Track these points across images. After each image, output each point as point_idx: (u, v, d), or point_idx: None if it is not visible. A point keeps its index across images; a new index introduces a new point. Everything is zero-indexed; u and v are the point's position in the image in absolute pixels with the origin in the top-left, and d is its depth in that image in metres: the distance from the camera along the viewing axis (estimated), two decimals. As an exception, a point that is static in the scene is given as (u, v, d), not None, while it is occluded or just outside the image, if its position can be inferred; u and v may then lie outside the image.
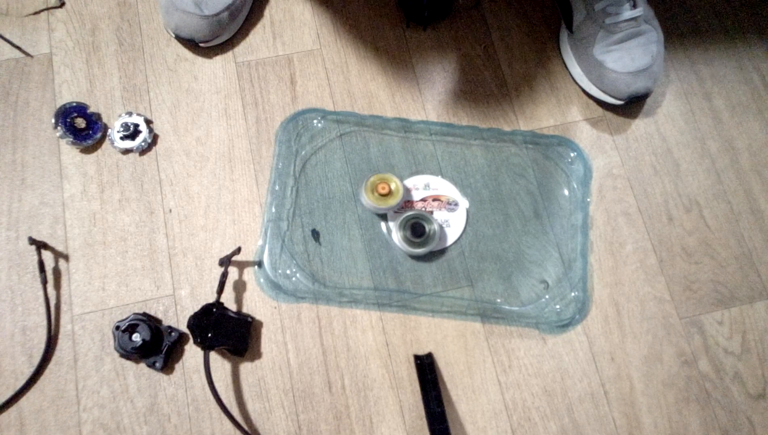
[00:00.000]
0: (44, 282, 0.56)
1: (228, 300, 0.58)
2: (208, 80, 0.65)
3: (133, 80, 0.64)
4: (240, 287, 0.59)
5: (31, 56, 0.64)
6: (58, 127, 0.60)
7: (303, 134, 0.63)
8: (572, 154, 0.65)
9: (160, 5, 0.63)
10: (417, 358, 0.57)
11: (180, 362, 0.56)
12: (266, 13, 0.68)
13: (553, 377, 0.58)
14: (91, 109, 0.62)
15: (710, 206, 0.65)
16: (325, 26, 0.68)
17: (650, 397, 0.59)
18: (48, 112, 0.62)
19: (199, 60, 0.66)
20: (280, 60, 0.66)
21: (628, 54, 0.62)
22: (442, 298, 0.59)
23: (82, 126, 0.61)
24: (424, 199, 0.62)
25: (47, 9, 0.66)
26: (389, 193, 0.59)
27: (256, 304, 0.58)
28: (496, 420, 0.57)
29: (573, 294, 0.60)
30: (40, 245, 0.57)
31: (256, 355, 0.57)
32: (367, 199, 0.59)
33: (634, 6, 0.62)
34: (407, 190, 0.62)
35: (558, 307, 0.60)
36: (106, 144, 0.62)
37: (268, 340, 0.57)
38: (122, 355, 0.55)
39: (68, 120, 0.60)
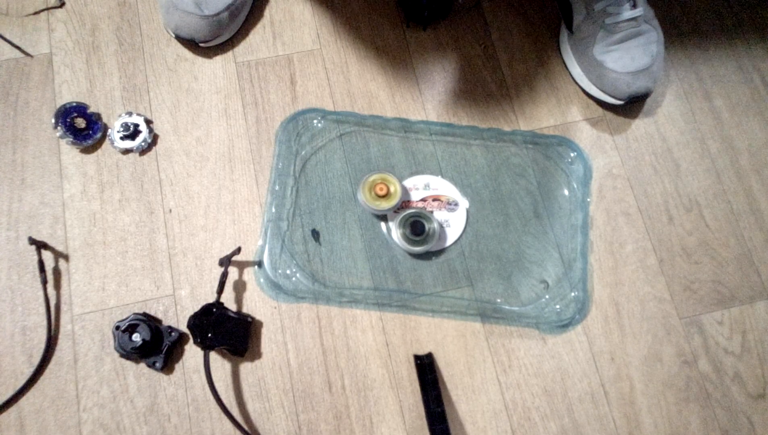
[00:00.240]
0: (44, 282, 0.56)
1: (228, 300, 0.58)
2: (208, 80, 0.65)
3: (133, 80, 0.64)
4: (240, 287, 0.59)
5: (31, 56, 0.64)
6: (58, 127, 0.60)
7: (303, 134, 0.63)
8: (572, 154, 0.65)
9: (160, 5, 0.63)
10: (417, 358, 0.57)
11: (180, 362, 0.56)
12: (266, 13, 0.68)
13: (553, 377, 0.58)
14: (91, 109, 0.62)
15: (710, 206, 0.65)
16: (325, 26, 0.68)
17: (650, 397, 0.59)
18: (48, 112, 0.62)
19: (199, 60, 0.66)
20: (280, 60, 0.66)
21: (628, 54, 0.62)
22: (442, 298, 0.59)
23: (82, 126, 0.61)
24: (424, 199, 0.62)
25: (47, 9, 0.66)
26: (387, 195, 0.59)
27: (256, 304, 0.58)
28: (496, 420, 0.57)
29: (573, 294, 0.60)
30: (40, 245, 0.57)
31: (256, 355, 0.57)
32: (364, 200, 0.59)
33: (634, 6, 0.62)
34: (406, 191, 0.62)
35: (558, 307, 0.60)
36: (106, 144, 0.62)
37: (268, 340, 0.57)
38: (122, 355, 0.55)
39: (68, 120, 0.60)
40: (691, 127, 0.68)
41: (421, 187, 0.62)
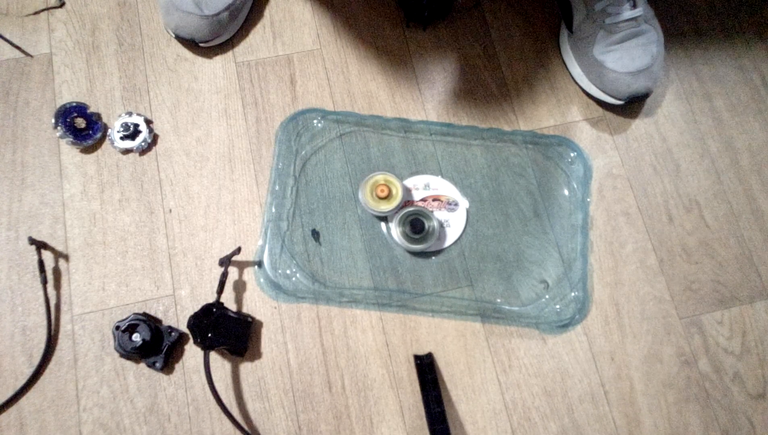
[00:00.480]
0: (44, 282, 0.56)
1: (228, 300, 0.58)
2: (208, 80, 0.65)
3: (133, 80, 0.64)
4: (240, 287, 0.59)
5: (31, 56, 0.64)
6: (58, 127, 0.60)
7: (303, 134, 0.63)
8: (572, 154, 0.65)
9: (160, 5, 0.63)
10: (417, 358, 0.57)
11: (180, 362, 0.56)
12: (266, 13, 0.68)
13: (553, 377, 0.58)
14: (91, 109, 0.62)
15: (710, 206, 0.65)
16: (325, 26, 0.68)
17: (650, 397, 0.59)
18: (48, 112, 0.62)
19: (199, 60, 0.66)
20: (280, 60, 0.66)
21: (628, 54, 0.62)
22: (442, 298, 0.59)
23: (82, 126, 0.61)
24: (424, 199, 0.62)
25: (47, 9, 0.66)
26: (388, 196, 0.59)
27: (256, 304, 0.58)
28: (496, 420, 0.57)
29: (573, 294, 0.60)
30: (40, 245, 0.57)
31: (256, 355, 0.57)
32: (367, 204, 0.59)
33: (634, 6, 0.62)
34: (407, 190, 0.62)
35: (558, 307, 0.60)
36: (106, 144, 0.62)
37: (268, 340, 0.57)
38: (122, 355, 0.55)
39: (68, 120, 0.60)
40: (691, 127, 0.68)
41: (421, 187, 0.62)
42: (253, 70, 0.66)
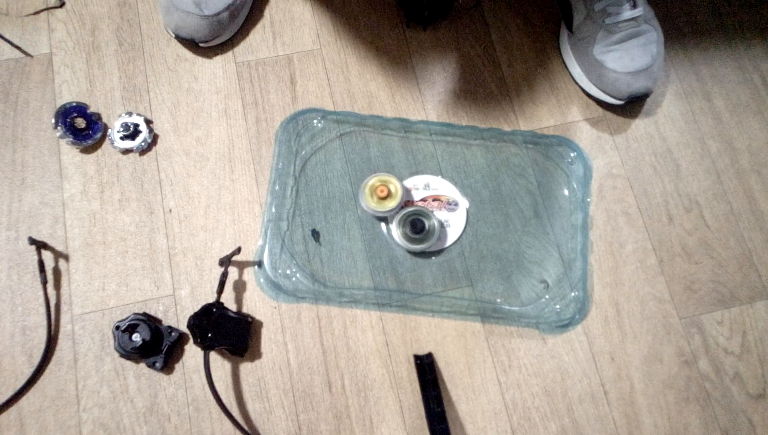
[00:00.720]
0: (44, 282, 0.56)
1: (228, 300, 0.58)
2: (208, 80, 0.65)
3: (133, 80, 0.64)
4: (240, 287, 0.59)
5: (31, 56, 0.64)
6: (58, 127, 0.60)
7: (303, 134, 0.63)
8: (572, 154, 0.65)
9: (160, 5, 0.63)
10: (417, 358, 0.57)
11: (180, 362, 0.56)
12: (266, 13, 0.68)
13: (553, 377, 0.58)
14: (91, 109, 0.62)
15: (710, 206, 0.65)
16: (325, 26, 0.68)
17: (650, 397, 0.59)
18: (48, 112, 0.62)
19: (199, 60, 0.66)
20: (280, 60, 0.66)
21: (628, 54, 0.62)
22: (442, 298, 0.59)
23: (82, 126, 0.61)
24: (424, 199, 0.62)
25: (47, 9, 0.66)
26: (388, 196, 0.59)
27: (256, 304, 0.58)
28: (496, 420, 0.57)
29: (573, 294, 0.60)
30: (40, 245, 0.57)
31: (256, 355, 0.57)
32: (367, 204, 0.59)
33: (634, 6, 0.62)
34: (407, 190, 0.62)
35: (558, 307, 0.60)
36: (106, 144, 0.62)
37: (268, 340, 0.57)
38: (122, 355, 0.55)
39: (68, 120, 0.60)
40: (691, 127, 0.68)
41: (421, 187, 0.62)
42: (253, 70, 0.66)
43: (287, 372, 0.57)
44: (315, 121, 0.64)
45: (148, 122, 0.63)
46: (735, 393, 0.59)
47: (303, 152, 0.63)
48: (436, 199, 0.62)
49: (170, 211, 0.60)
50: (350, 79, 0.66)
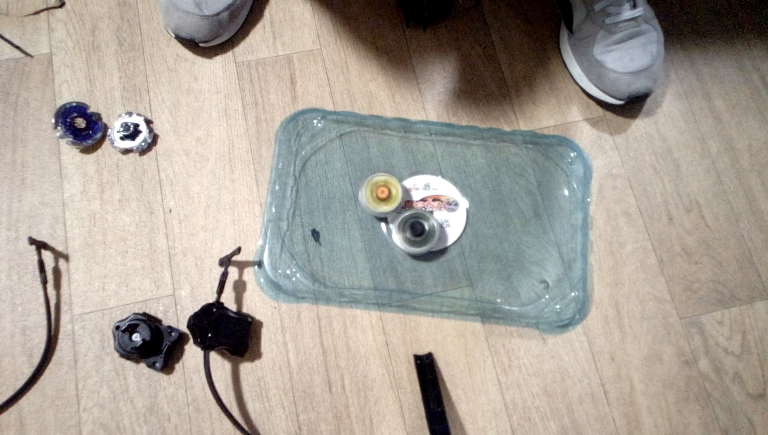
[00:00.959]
0: (44, 282, 0.56)
1: (228, 300, 0.58)
2: (208, 80, 0.65)
3: (133, 80, 0.64)
4: (240, 287, 0.59)
5: (31, 56, 0.64)
6: (58, 127, 0.60)
7: (303, 134, 0.63)
8: (572, 154, 0.65)
9: (160, 5, 0.63)
10: (417, 358, 0.57)
11: (180, 362, 0.56)
12: (266, 13, 0.68)
13: (553, 377, 0.58)
14: (91, 109, 0.62)
15: (710, 206, 0.65)
16: (325, 26, 0.68)
17: (650, 397, 0.59)
18: (48, 112, 0.62)
19: (199, 60, 0.66)
20: (280, 60, 0.66)
21: (628, 54, 0.62)
22: (442, 298, 0.59)
23: (82, 126, 0.61)
24: (424, 199, 0.62)
25: (47, 9, 0.66)
26: (388, 197, 0.59)
27: (256, 304, 0.58)
28: (496, 420, 0.57)
29: (573, 294, 0.60)
30: (40, 245, 0.57)
31: (256, 355, 0.57)
32: (367, 205, 0.59)
33: (634, 6, 0.62)
34: (407, 191, 0.62)
35: (558, 307, 0.60)
36: (106, 144, 0.62)
37: (268, 340, 0.57)
38: (122, 355, 0.55)
39: (68, 120, 0.60)
40: (691, 127, 0.68)
41: (421, 187, 0.62)
42: (253, 70, 0.66)
43: (287, 372, 0.57)
44: (315, 121, 0.64)
45: (148, 122, 0.63)
46: (735, 393, 0.59)
47: (303, 152, 0.63)
48: (436, 199, 0.62)
49: (170, 211, 0.60)
50: (350, 79, 0.66)
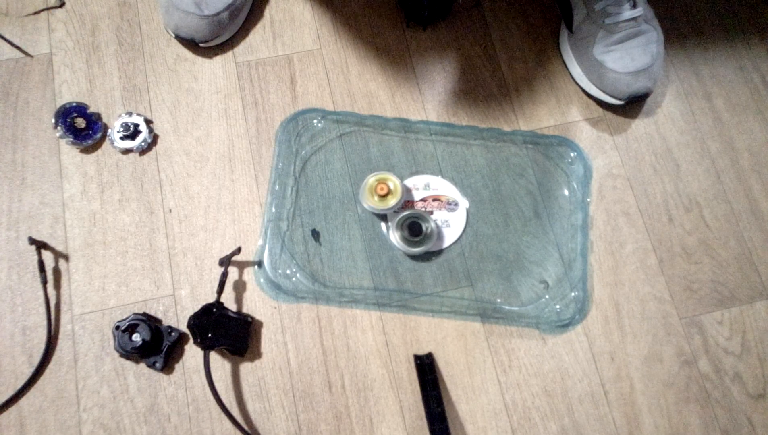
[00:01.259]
0: (44, 282, 0.56)
1: (228, 300, 0.58)
2: (208, 80, 0.65)
3: (133, 80, 0.64)
4: (240, 287, 0.59)
5: (31, 56, 0.64)
6: (58, 127, 0.60)
7: (303, 134, 0.63)
8: (572, 154, 0.65)
9: (160, 5, 0.63)
10: (417, 358, 0.57)
11: (180, 362, 0.56)
12: (266, 13, 0.68)
13: (553, 377, 0.58)
14: (91, 109, 0.62)
15: (710, 206, 0.65)
16: (325, 26, 0.68)
17: (650, 397, 0.59)
18: (48, 112, 0.62)
19: (199, 60, 0.66)
20: (280, 60, 0.66)
21: (628, 54, 0.62)
22: (442, 298, 0.59)
23: (82, 126, 0.61)
24: (424, 199, 0.62)
25: (47, 9, 0.66)
26: (388, 193, 0.59)
27: (256, 304, 0.58)
28: (496, 420, 0.57)
29: (573, 294, 0.60)
30: (40, 245, 0.57)
31: (256, 355, 0.57)
32: (367, 202, 0.59)
33: (634, 6, 0.62)
34: (407, 190, 0.62)
35: (558, 307, 0.60)
36: (106, 144, 0.62)
37: (268, 340, 0.57)
38: (122, 355, 0.55)
39: (68, 120, 0.61)
40: (691, 127, 0.68)
41: (421, 187, 0.62)
42: (253, 70, 0.66)
43: (287, 372, 0.57)
44: (315, 121, 0.64)
45: (148, 122, 0.63)
46: (735, 393, 0.59)
47: (303, 152, 0.63)
48: (436, 199, 0.62)
49: (170, 211, 0.60)
50: (350, 79, 0.66)
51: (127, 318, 0.55)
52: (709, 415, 0.59)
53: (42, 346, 0.55)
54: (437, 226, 0.60)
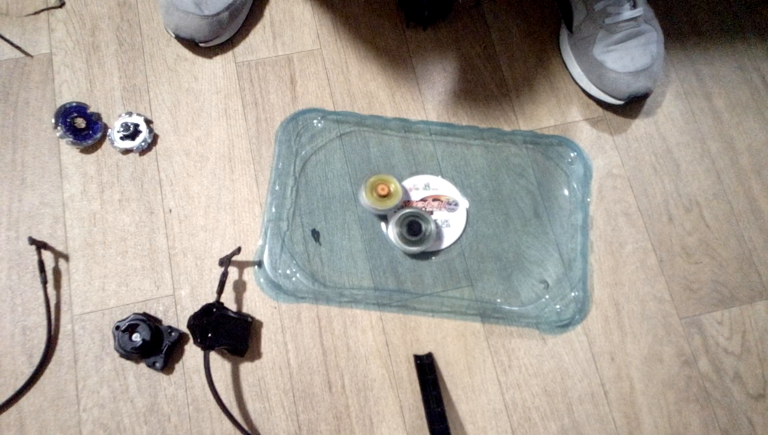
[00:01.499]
0: (44, 282, 0.56)
1: (228, 300, 0.58)
2: (208, 80, 0.65)
3: (133, 80, 0.64)
4: (240, 287, 0.59)
5: (31, 56, 0.64)
6: (58, 127, 0.60)
7: (303, 134, 0.63)
8: (572, 154, 0.65)
9: (160, 5, 0.63)
10: (417, 358, 0.57)
11: (180, 362, 0.56)
12: (266, 13, 0.68)
13: (553, 377, 0.58)
14: (91, 109, 0.62)
15: (710, 206, 0.65)
16: (325, 26, 0.68)
17: (650, 397, 0.59)
18: (48, 112, 0.62)
19: (199, 60, 0.66)
20: (280, 60, 0.66)
21: (628, 54, 0.62)
22: (442, 298, 0.59)
23: (82, 126, 0.61)
24: (424, 199, 0.62)
25: (47, 9, 0.66)
26: (388, 195, 0.59)
27: (256, 304, 0.58)
28: (496, 420, 0.57)
29: (573, 294, 0.60)
30: (40, 245, 0.57)
31: (256, 355, 0.57)
32: (367, 201, 0.59)
33: (634, 6, 0.62)
34: (406, 191, 0.62)
35: (558, 307, 0.60)
36: (106, 144, 0.62)
37: (268, 340, 0.57)
38: (122, 355, 0.55)
39: (68, 120, 0.61)
40: (691, 127, 0.68)
41: (421, 187, 0.62)
42: (253, 70, 0.66)
43: (287, 372, 0.57)
44: (315, 121, 0.64)
45: (148, 122, 0.63)
46: (735, 393, 0.59)
47: (303, 152, 0.63)
48: (436, 199, 0.62)
49: (170, 211, 0.60)
50: (350, 79, 0.66)
51: (127, 318, 0.55)
52: (709, 415, 0.59)
53: (42, 346, 0.55)
54: (437, 227, 0.60)
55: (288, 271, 0.59)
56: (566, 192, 0.64)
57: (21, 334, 0.56)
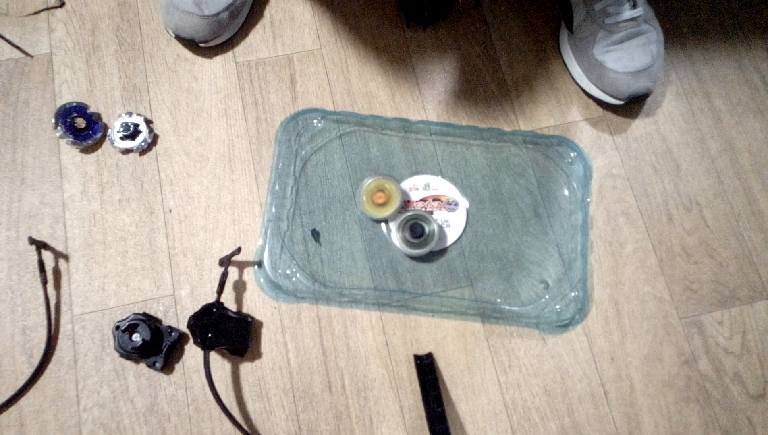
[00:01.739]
0: (44, 282, 0.56)
1: (228, 300, 0.58)
2: (208, 80, 0.65)
3: (133, 80, 0.64)
4: (240, 287, 0.59)
5: (31, 56, 0.64)
6: (58, 127, 0.60)
7: (303, 134, 0.63)
8: (572, 154, 0.65)
9: (160, 5, 0.63)
10: (417, 358, 0.57)
11: (180, 362, 0.56)
12: (266, 13, 0.68)
13: (553, 377, 0.58)
14: (91, 109, 0.62)
15: (710, 206, 0.65)
16: (325, 26, 0.68)
17: (650, 397, 0.59)
18: (48, 112, 0.62)
19: (199, 60, 0.66)
20: (280, 60, 0.66)
21: (628, 54, 0.62)
22: (442, 298, 0.59)
23: (82, 126, 0.61)
24: (424, 199, 0.62)
25: (47, 9, 0.66)
26: (385, 203, 0.59)
27: (256, 304, 0.58)
28: (496, 420, 0.57)
29: (573, 294, 0.60)
30: (40, 245, 0.57)
31: (256, 355, 0.57)
32: (367, 212, 0.59)
33: (634, 6, 0.62)
34: (406, 191, 0.62)
35: (558, 307, 0.60)
36: (106, 144, 0.62)
37: (268, 340, 0.58)
38: (122, 355, 0.55)
39: (68, 120, 0.61)
40: (691, 127, 0.68)
41: (421, 187, 0.62)
42: (253, 70, 0.66)
43: (287, 372, 0.57)
44: (315, 121, 0.64)
45: (148, 122, 0.63)
46: (735, 393, 0.59)
47: (303, 152, 0.63)
48: (436, 199, 0.62)
49: (170, 211, 0.60)
50: (350, 79, 0.66)
51: (127, 318, 0.55)
52: (709, 415, 0.59)
53: (42, 346, 0.55)
54: (440, 228, 0.60)
55: (288, 271, 0.59)
56: (566, 192, 0.64)
57: (21, 334, 0.56)
